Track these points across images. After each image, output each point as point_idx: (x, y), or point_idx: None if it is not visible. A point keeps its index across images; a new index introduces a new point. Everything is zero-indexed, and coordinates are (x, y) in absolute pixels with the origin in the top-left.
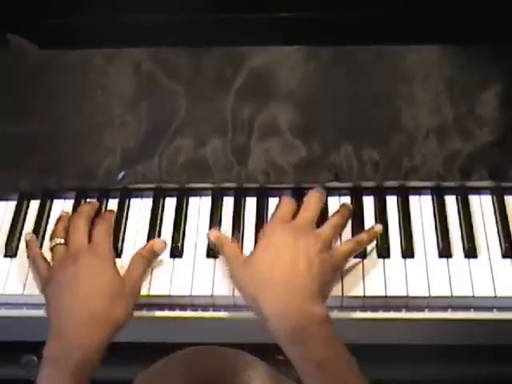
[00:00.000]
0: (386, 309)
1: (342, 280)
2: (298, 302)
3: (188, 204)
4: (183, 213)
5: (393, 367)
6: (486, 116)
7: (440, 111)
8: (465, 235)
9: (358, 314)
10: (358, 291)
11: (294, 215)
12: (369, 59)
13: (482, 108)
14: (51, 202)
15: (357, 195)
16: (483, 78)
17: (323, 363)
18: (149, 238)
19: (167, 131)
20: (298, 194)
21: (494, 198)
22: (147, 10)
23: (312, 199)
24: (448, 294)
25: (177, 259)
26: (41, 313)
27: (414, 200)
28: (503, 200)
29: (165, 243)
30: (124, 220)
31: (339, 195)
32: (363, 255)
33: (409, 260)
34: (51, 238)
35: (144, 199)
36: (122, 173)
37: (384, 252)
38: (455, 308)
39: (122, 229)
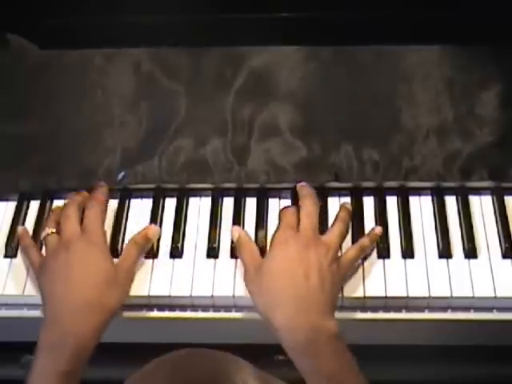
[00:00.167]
0: (386, 309)
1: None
2: (310, 316)
3: (188, 204)
4: (183, 213)
5: (393, 367)
6: (486, 116)
7: (440, 111)
8: (465, 235)
9: (358, 315)
10: (358, 292)
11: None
12: (369, 59)
13: (481, 108)
14: (51, 203)
15: (357, 195)
16: (483, 78)
17: (334, 377)
18: None
19: (167, 131)
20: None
21: (494, 198)
22: (147, 10)
23: (311, 208)
24: (448, 294)
25: (177, 260)
26: (41, 313)
27: (414, 200)
28: (503, 200)
29: (158, 229)
30: (124, 220)
31: (339, 195)
32: (363, 256)
33: (409, 260)
34: (43, 229)
35: (144, 199)
36: (122, 173)
37: (384, 252)
38: (455, 308)
39: (122, 229)
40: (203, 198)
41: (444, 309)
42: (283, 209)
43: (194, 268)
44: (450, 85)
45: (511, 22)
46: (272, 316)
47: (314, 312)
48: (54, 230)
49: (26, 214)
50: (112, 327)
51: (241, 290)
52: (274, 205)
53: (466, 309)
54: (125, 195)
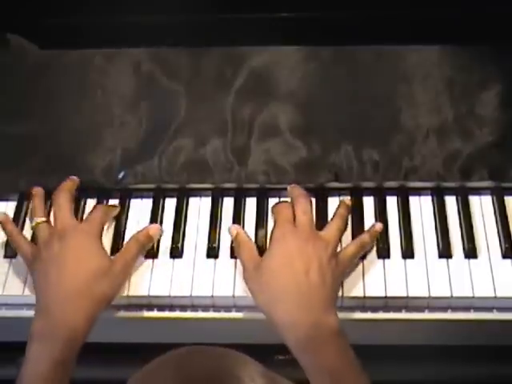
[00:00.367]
0: (386, 309)
1: (342, 280)
2: (311, 312)
3: (188, 204)
4: (183, 213)
5: (393, 367)
6: (486, 116)
7: (440, 111)
8: (465, 236)
9: (358, 315)
10: (358, 292)
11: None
12: (369, 59)
13: (482, 108)
14: (51, 203)
15: (357, 195)
16: (483, 78)
17: (335, 373)
18: None
19: (167, 131)
20: None
21: (494, 198)
22: (147, 10)
23: (306, 204)
24: (448, 294)
25: (177, 260)
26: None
27: (414, 200)
28: (503, 200)
29: (160, 229)
30: (124, 220)
31: (339, 195)
32: (363, 255)
33: (409, 260)
34: (31, 218)
35: (144, 199)
36: (122, 173)
37: (384, 252)
38: (455, 308)
39: (122, 229)
40: (203, 198)
41: (444, 309)
42: (276, 205)
43: (194, 268)
44: (449, 85)
45: (511, 21)
46: (273, 312)
47: (315, 308)
48: (44, 219)
49: (26, 214)
50: (112, 327)
51: (241, 290)
52: None
53: (466, 309)
54: (125, 195)
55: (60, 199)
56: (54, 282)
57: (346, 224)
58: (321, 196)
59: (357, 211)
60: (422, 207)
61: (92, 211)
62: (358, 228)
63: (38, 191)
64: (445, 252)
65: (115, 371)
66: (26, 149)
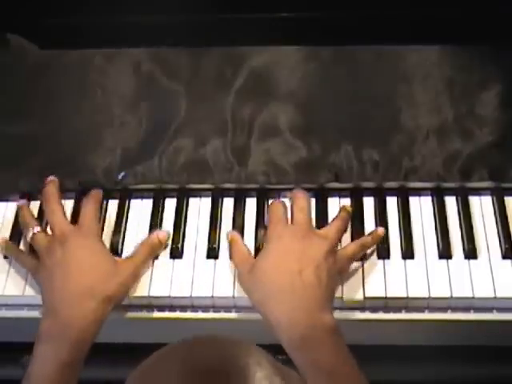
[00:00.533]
0: (386, 310)
1: (342, 281)
2: (307, 310)
3: (188, 205)
4: (183, 214)
5: (393, 368)
6: (486, 116)
7: (440, 111)
8: (465, 236)
9: (358, 315)
10: (357, 292)
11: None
12: (369, 59)
13: (482, 108)
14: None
15: (357, 196)
16: (483, 78)
17: (333, 371)
18: None
19: (167, 131)
20: None
21: (494, 198)
22: (147, 10)
23: (303, 201)
24: (448, 294)
25: (177, 260)
26: (40, 314)
27: (413, 201)
28: (503, 201)
29: (168, 234)
30: (124, 221)
31: (339, 196)
32: (363, 256)
33: (409, 261)
34: (24, 230)
35: (144, 200)
36: (122, 173)
37: (384, 253)
38: (455, 309)
39: (122, 229)
40: (203, 199)
41: (444, 309)
42: (270, 204)
43: (194, 268)
44: (449, 85)
45: (511, 21)
46: (268, 311)
47: (310, 306)
48: (40, 229)
49: None
50: (112, 327)
51: (241, 291)
52: None
53: (466, 309)
54: (125, 195)
55: (51, 204)
56: (60, 285)
57: (346, 226)
58: (321, 196)
59: (357, 211)
60: (421, 207)
61: (81, 211)
62: (357, 228)
63: (21, 204)
64: (445, 252)
65: (115, 371)
66: (26, 149)
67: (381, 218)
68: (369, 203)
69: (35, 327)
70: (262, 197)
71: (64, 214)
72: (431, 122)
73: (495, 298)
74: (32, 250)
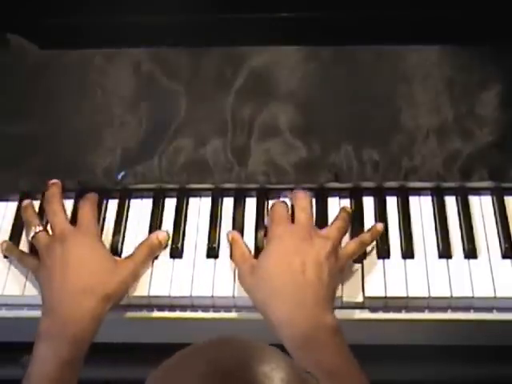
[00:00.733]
0: (386, 309)
1: (342, 281)
2: (309, 310)
3: (188, 204)
4: (183, 213)
5: (393, 367)
6: (486, 116)
7: (440, 111)
8: (465, 236)
9: (358, 315)
10: (358, 292)
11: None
12: (369, 59)
13: (482, 108)
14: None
15: (357, 196)
16: (483, 78)
17: (334, 371)
18: None
19: (167, 131)
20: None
21: (494, 198)
22: (147, 10)
23: (305, 201)
24: (448, 294)
25: (177, 260)
26: (41, 314)
27: (413, 201)
28: (503, 201)
29: (168, 234)
30: (124, 220)
31: (339, 196)
32: (363, 256)
33: (409, 261)
34: (27, 229)
35: (144, 200)
36: (122, 173)
37: (384, 253)
38: (455, 309)
39: (122, 229)
40: (203, 199)
41: (444, 309)
42: (271, 205)
43: (194, 268)
44: (450, 85)
45: (511, 21)
46: (270, 311)
47: (312, 306)
48: (42, 228)
49: None
50: (112, 327)
51: (241, 290)
52: None
53: (466, 309)
54: (125, 195)
55: (53, 205)
56: (59, 283)
57: (347, 226)
58: (321, 196)
59: (357, 211)
60: (421, 207)
61: (79, 212)
62: (357, 228)
63: (27, 203)
64: (445, 252)
65: (115, 371)
66: (26, 149)
67: (381, 217)
68: (369, 203)
69: (35, 327)
70: (262, 197)
71: (65, 215)
72: (431, 122)
73: (495, 297)
74: (33, 249)
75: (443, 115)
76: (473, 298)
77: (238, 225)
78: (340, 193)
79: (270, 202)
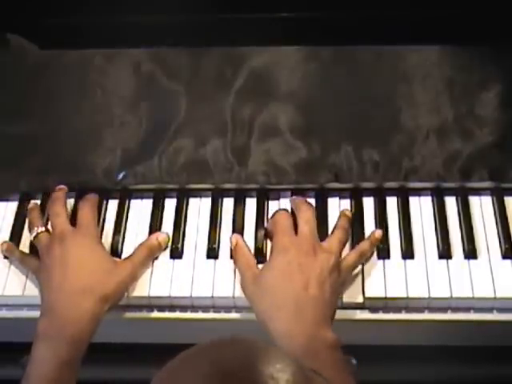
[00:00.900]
0: (386, 310)
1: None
2: (308, 326)
3: (188, 205)
4: (183, 214)
5: (392, 368)
6: (486, 116)
7: (440, 111)
8: (465, 236)
9: (358, 315)
10: (357, 292)
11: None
12: (369, 59)
13: (482, 108)
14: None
15: (357, 196)
16: (483, 78)
17: None
18: None
19: (167, 131)
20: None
21: (494, 199)
22: (147, 10)
23: (308, 213)
24: (448, 295)
25: (177, 260)
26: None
27: (413, 201)
28: (503, 201)
29: (168, 236)
30: (124, 221)
31: (339, 196)
32: (363, 260)
33: (409, 261)
34: (30, 229)
35: (144, 200)
36: (123, 173)
37: (384, 253)
38: (455, 309)
39: (122, 230)
40: (203, 199)
41: (444, 309)
42: (274, 215)
43: (194, 269)
44: (450, 85)
45: (511, 21)
46: (270, 323)
47: (312, 322)
48: (44, 229)
49: (26, 213)
50: (112, 328)
51: (241, 291)
52: (274, 205)
53: (466, 309)
54: (125, 195)
55: (56, 207)
56: (58, 283)
57: (348, 235)
58: (321, 196)
59: (357, 212)
60: (421, 208)
61: (79, 213)
62: (357, 229)
63: (33, 205)
64: (445, 253)
65: (115, 371)
66: (26, 149)
67: (381, 218)
68: (369, 203)
69: (35, 327)
70: (262, 197)
71: (67, 217)
72: (431, 122)
73: (495, 298)
74: (33, 250)
75: (443, 115)
76: (473, 298)
77: (238, 225)
78: (340, 193)
79: (270, 203)
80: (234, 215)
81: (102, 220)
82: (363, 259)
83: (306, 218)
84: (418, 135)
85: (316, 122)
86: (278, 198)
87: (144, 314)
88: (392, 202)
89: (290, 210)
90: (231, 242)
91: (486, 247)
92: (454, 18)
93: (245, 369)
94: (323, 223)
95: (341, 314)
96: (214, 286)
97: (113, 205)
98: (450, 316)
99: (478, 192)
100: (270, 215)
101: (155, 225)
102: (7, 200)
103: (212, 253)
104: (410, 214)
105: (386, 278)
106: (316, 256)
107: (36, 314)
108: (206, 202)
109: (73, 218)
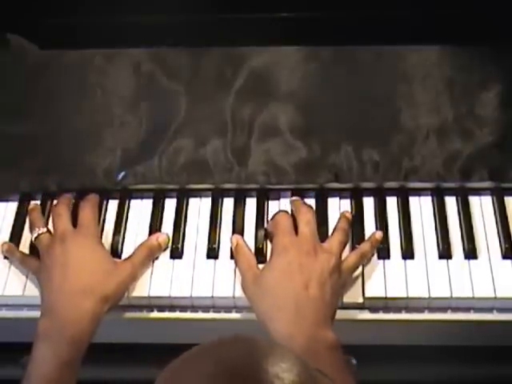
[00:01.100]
0: (386, 310)
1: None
2: (308, 326)
3: (188, 205)
4: (183, 214)
5: (392, 368)
6: (486, 116)
7: (440, 111)
8: (465, 236)
9: (358, 315)
10: (357, 292)
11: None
12: (369, 59)
13: (481, 108)
14: (51, 203)
15: (357, 196)
16: (483, 78)
17: None
18: None
19: (167, 131)
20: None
21: (494, 198)
22: (147, 10)
23: (309, 215)
24: (448, 295)
25: (177, 260)
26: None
27: (413, 201)
28: (503, 201)
29: (168, 237)
30: (124, 221)
31: (339, 196)
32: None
33: (409, 261)
34: (31, 230)
35: (144, 200)
36: (123, 173)
37: (384, 253)
38: (455, 309)
39: (122, 230)
40: (203, 199)
41: (444, 309)
42: (274, 216)
43: (194, 269)
44: (450, 85)
45: (511, 22)
46: (270, 323)
47: (312, 323)
48: (45, 230)
49: (26, 214)
50: (112, 328)
51: (241, 291)
52: (274, 205)
53: (466, 309)
54: (125, 196)
55: (59, 209)
56: (58, 283)
57: (348, 237)
58: (321, 196)
59: (357, 212)
60: (422, 208)
61: (79, 214)
62: (358, 229)
63: (34, 205)
64: (445, 252)
65: (115, 371)
66: (26, 149)
67: (381, 218)
68: (369, 203)
69: (35, 327)
70: (262, 197)
71: (69, 219)
72: (431, 122)
73: (495, 298)
74: (33, 250)
75: (443, 115)
76: (473, 298)
77: (238, 225)
78: (340, 193)
79: (270, 203)
80: (234, 215)
81: (102, 220)
82: (364, 260)
83: (306, 220)
84: (418, 135)
85: (316, 122)
86: (278, 198)
87: (144, 314)
88: (392, 202)
89: (290, 211)
90: (232, 243)
91: (486, 247)
92: (454, 18)
93: (250, 368)
94: (323, 223)
95: (341, 314)
96: (214, 286)
97: (113, 205)
98: (449, 316)
99: (477, 192)
100: (270, 215)
101: (155, 225)
102: (7, 200)
103: (212, 253)
104: (410, 214)
105: (386, 278)
106: (316, 257)
107: (36, 314)
108: (205, 202)
109: (73, 219)
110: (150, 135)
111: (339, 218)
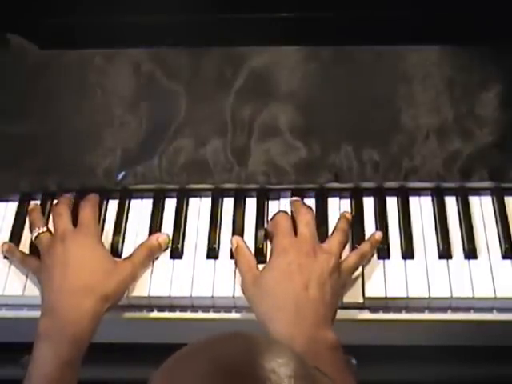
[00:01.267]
0: (386, 310)
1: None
2: (308, 327)
3: (188, 205)
4: (183, 214)
5: (392, 368)
6: (486, 116)
7: (440, 111)
8: (465, 236)
9: (358, 315)
10: (357, 292)
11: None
12: (369, 59)
13: (481, 108)
14: (51, 203)
15: (357, 196)
16: (483, 78)
17: None
18: None
19: (167, 131)
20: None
21: (494, 198)
22: (147, 10)
23: (308, 216)
24: (448, 295)
25: (177, 260)
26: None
27: (414, 201)
28: (503, 201)
29: (168, 237)
30: (124, 221)
31: (339, 196)
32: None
33: (409, 261)
34: (31, 230)
35: (144, 200)
36: (122, 173)
37: (384, 253)
38: (455, 309)
39: (122, 230)
40: (203, 199)
41: (444, 309)
42: (274, 216)
43: (194, 269)
44: (450, 85)
45: (511, 22)
46: (270, 324)
47: (312, 323)
48: (45, 229)
49: (26, 214)
50: (112, 328)
51: (241, 291)
52: (274, 205)
53: (466, 309)
54: (125, 195)
55: (60, 209)
56: (58, 283)
57: (347, 237)
58: (321, 196)
59: (357, 212)
60: (422, 207)
61: (80, 213)
62: (358, 229)
63: (34, 205)
64: (445, 252)
65: (115, 371)
66: (26, 149)
67: (381, 218)
68: (369, 203)
69: (35, 327)
70: (262, 197)
71: (69, 219)
72: (431, 122)
73: (495, 298)
74: (33, 250)
75: (443, 115)
76: (473, 298)
77: (238, 225)
78: (340, 193)
79: (270, 203)
80: (234, 215)
81: (102, 220)
82: (363, 261)
83: (306, 221)
84: (418, 135)
85: (316, 122)
86: (278, 198)
87: (144, 314)
88: (392, 202)
89: (289, 212)
90: (232, 244)
91: (486, 247)
92: (454, 18)
93: (245, 364)
94: (323, 223)
95: (341, 314)
96: (214, 286)
97: (113, 205)
98: (450, 316)
99: (477, 192)
100: (270, 215)
101: (155, 225)
102: (7, 200)
103: (212, 253)
104: (410, 214)
105: (386, 278)
106: (316, 257)
107: (36, 313)
108: (205, 202)
109: (73, 218)
110: (149, 135)
111: (339, 219)
